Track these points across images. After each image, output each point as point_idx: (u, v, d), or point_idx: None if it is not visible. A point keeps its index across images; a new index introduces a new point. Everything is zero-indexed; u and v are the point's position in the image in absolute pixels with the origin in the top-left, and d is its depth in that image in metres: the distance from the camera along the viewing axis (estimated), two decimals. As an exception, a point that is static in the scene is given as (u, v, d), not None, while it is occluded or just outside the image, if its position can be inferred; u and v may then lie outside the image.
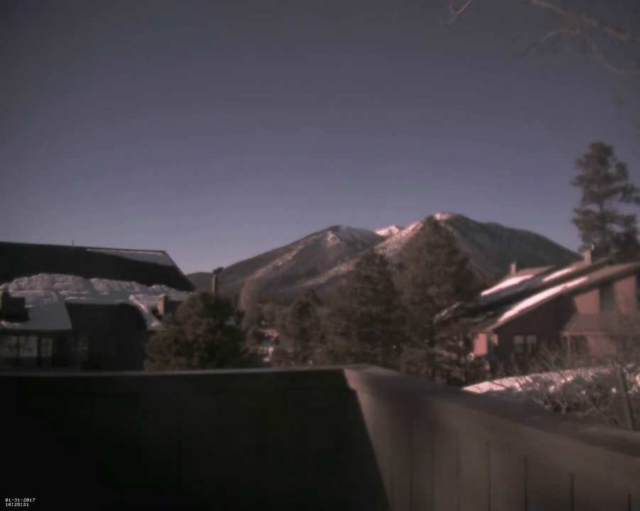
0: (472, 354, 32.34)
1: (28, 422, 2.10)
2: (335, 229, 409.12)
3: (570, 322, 31.16)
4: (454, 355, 32.91)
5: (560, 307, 31.97)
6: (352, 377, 2.37)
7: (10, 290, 29.76)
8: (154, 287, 34.75)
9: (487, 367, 30.12)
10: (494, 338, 31.52)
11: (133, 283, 34.58)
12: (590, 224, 46.70)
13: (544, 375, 13.19)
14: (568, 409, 11.54)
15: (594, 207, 46.96)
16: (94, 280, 34.05)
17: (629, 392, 10.97)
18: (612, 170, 46.20)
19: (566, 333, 29.14)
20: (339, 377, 2.42)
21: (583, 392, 11.82)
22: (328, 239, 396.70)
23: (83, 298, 31.83)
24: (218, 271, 33.78)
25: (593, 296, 31.74)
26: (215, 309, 20.88)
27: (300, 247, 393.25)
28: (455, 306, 33.95)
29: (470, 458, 1.64)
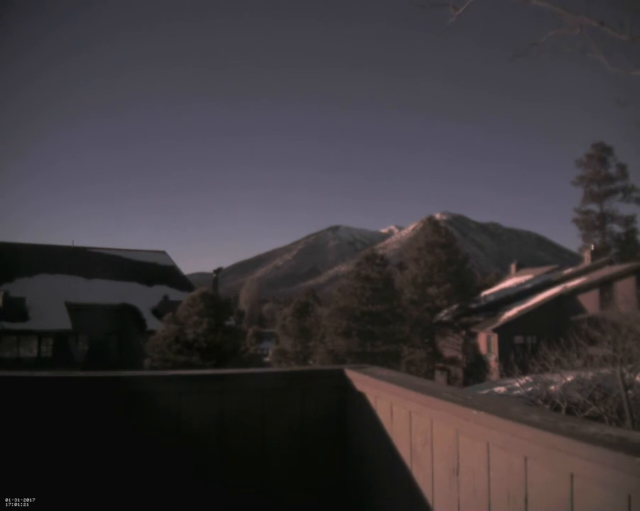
0: (472, 354, 32.34)
1: (28, 422, 2.10)
2: (335, 229, 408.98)
3: (570, 322, 31.14)
4: (454, 355, 32.92)
5: (560, 307, 31.96)
6: (353, 377, 2.36)
7: (11, 290, 29.73)
8: (154, 287, 34.72)
9: (487, 366, 30.14)
10: (494, 338, 31.51)
11: (133, 283, 34.54)
12: (590, 224, 46.67)
13: (544, 375, 13.19)
14: (568, 409, 11.53)
15: (595, 207, 46.99)
16: (94, 280, 34.02)
17: (629, 392, 10.96)
18: (613, 170, 46.21)
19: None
20: (339, 377, 2.42)
21: (583, 392, 11.82)
22: (328, 239, 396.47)
23: (83, 298, 31.80)
24: (218, 271, 33.74)
25: (593, 296, 31.73)
26: (215, 308, 20.86)
27: (300, 247, 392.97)
28: (455, 306, 33.93)
29: (470, 458, 1.64)
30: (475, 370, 30.59)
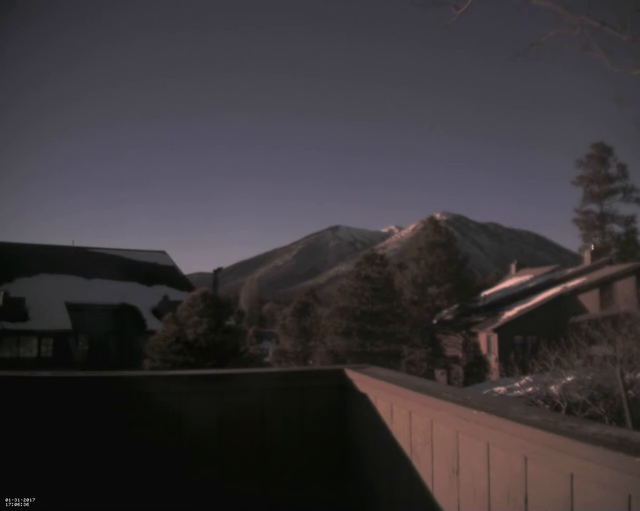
0: (472, 354, 32.34)
1: (29, 422, 2.10)
2: (335, 229, 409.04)
3: (570, 322, 31.13)
4: (454, 355, 32.91)
5: (560, 307, 31.96)
6: (353, 377, 2.36)
7: (11, 290, 29.73)
8: (154, 287, 34.72)
9: (487, 366, 30.14)
10: (494, 338, 31.51)
11: (133, 283, 34.54)
12: (590, 224, 46.64)
13: (544, 375, 13.19)
14: (568, 409, 11.53)
15: (595, 207, 46.96)
16: (94, 280, 34.02)
17: (629, 392, 10.97)
18: (613, 170, 46.18)
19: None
20: (339, 377, 2.42)
21: (583, 392, 11.81)
22: (328, 239, 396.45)
23: (83, 298, 31.80)
24: (218, 271, 33.78)
25: (593, 296, 31.73)
26: (215, 308, 20.87)
27: (300, 247, 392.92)
28: (455, 306, 33.93)
29: (470, 458, 1.64)
30: (475, 370, 30.57)
